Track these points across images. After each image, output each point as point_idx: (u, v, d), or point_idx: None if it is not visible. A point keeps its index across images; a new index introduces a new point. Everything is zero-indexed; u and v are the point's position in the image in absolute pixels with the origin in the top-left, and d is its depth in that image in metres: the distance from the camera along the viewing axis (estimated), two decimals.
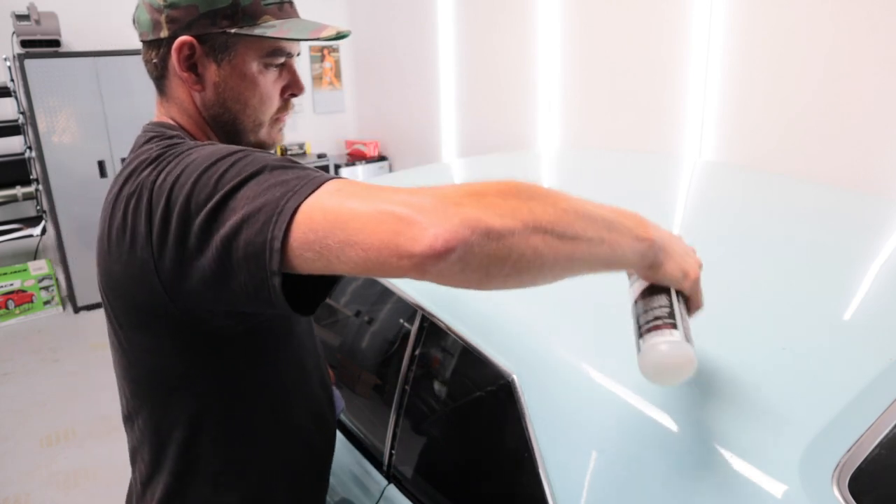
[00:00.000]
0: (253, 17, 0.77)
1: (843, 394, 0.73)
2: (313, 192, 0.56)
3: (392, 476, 1.10)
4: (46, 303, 4.09)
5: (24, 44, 3.76)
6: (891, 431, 0.69)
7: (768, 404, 0.71)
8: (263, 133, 0.85)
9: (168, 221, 0.63)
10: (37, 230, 4.08)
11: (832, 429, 0.68)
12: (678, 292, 0.68)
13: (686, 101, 2.98)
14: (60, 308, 4.15)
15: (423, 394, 1.09)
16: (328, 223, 0.54)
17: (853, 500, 0.61)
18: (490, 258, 0.50)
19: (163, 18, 0.77)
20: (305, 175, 0.59)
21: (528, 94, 3.80)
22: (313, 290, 0.64)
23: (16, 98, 3.85)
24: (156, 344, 0.76)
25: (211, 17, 0.76)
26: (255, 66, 0.80)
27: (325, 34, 0.80)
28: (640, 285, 0.69)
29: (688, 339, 0.63)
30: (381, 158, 5.25)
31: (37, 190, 4.06)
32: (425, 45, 4.48)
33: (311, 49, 5.20)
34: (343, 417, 1.30)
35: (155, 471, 0.83)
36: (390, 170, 5.25)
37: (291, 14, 0.82)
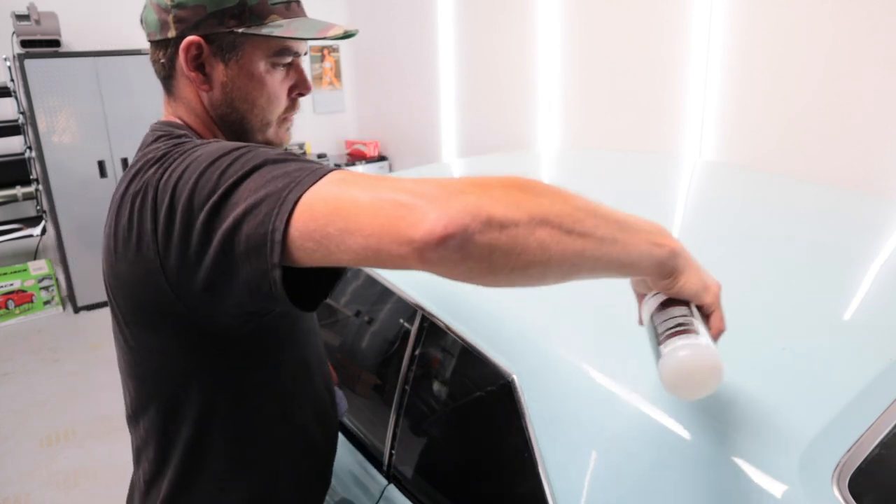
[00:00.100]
0: (260, 17, 0.78)
1: (843, 394, 0.73)
2: (315, 182, 0.56)
3: (392, 476, 1.10)
4: (46, 303, 4.09)
5: (24, 44, 3.76)
6: (891, 431, 0.69)
7: (768, 404, 0.71)
8: (271, 132, 0.85)
9: (172, 219, 0.63)
10: (37, 230, 4.08)
11: (832, 429, 0.68)
12: (698, 308, 0.63)
13: (686, 101, 2.98)
14: (60, 308, 4.15)
15: (423, 394, 1.09)
16: (329, 212, 0.54)
17: (853, 500, 0.61)
18: (492, 248, 0.49)
19: (170, 18, 0.77)
20: (307, 167, 0.59)
21: (528, 94, 3.80)
22: (315, 285, 0.64)
23: (16, 98, 3.85)
24: (162, 343, 0.76)
25: (218, 17, 0.76)
26: (262, 66, 0.80)
27: (332, 33, 0.81)
28: (656, 301, 0.64)
29: (712, 344, 0.57)
30: (381, 158, 5.25)
31: (37, 190, 4.06)
32: (425, 45, 4.48)
33: (312, 49, 5.20)
34: (344, 417, 1.30)
35: (160, 469, 0.83)
36: (390, 170, 5.25)
37: (298, 13, 0.82)
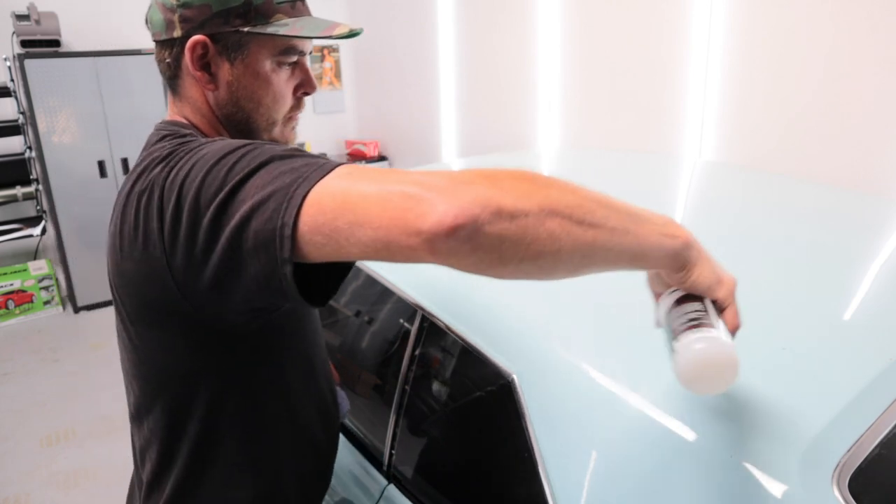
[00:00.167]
0: (265, 16, 0.78)
1: (843, 394, 0.73)
2: (323, 177, 0.56)
3: (392, 476, 1.10)
4: (46, 303, 4.09)
5: (24, 44, 3.76)
6: (891, 431, 0.69)
7: (768, 404, 0.71)
8: (276, 132, 0.85)
9: (179, 218, 0.63)
10: (37, 230, 4.08)
11: (832, 429, 0.68)
12: (713, 303, 0.63)
13: (686, 101, 2.98)
14: (60, 308, 4.15)
15: (423, 394, 1.09)
16: (338, 205, 0.54)
17: (853, 500, 0.61)
18: (502, 239, 0.49)
19: (176, 18, 0.77)
20: (314, 162, 0.59)
21: (528, 94, 3.80)
22: (325, 281, 0.64)
23: (16, 98, 3.85)
24: (168, 341, 0.76)
25: (224, 16, 0.76)
26: (268, 65, 0.80)
27: (337, 32, 0.81)
28: (672, 299, 0.64)
29: (728, 337, 0.56)
30: (381, 158, 5.25)
31: (37, 190, 4.06)
32: (425, 45, 4.48)
33: (312, 49, 5.19)
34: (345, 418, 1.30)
35: (165, 468, 0.83)
36: None
37: (303, 12, 0.82)
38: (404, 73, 4.82)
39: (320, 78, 5.33)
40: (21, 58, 3.67)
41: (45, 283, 4.06)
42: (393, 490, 1.08)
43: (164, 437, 0.82)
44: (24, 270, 4.05)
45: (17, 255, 4.24)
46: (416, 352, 1.09)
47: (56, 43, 3.84)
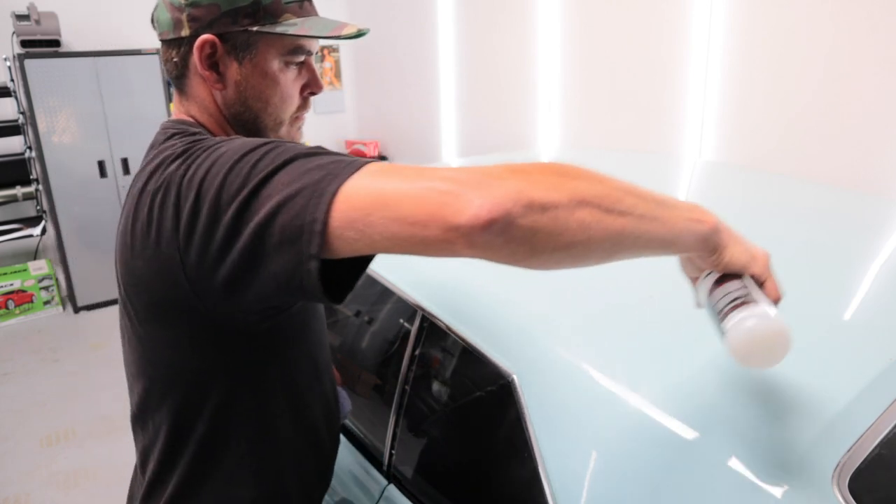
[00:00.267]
0: (274, 16, 0.78)
1: (843, 394, 0.73)
2: (353, 173, 0.57)
3: (392, 476, 1.10)
4: (46, 303, 4.09)
5: (24, 44, 3.76)
6: (891, 431, 0.69)
7: (768, 404, 0.71)
8: (283, 131, 0.86)
9: (197, 215, 0.63)
10: (37, 230, 4.08)
11: (832, 429, 0.68)
12: (752, 279, 0.64)
13: (686, 101, 2.98)
14: (60, 308, 4.15)
15: (423, 394, 1.09)
16: (372, 201, 0.54)
17: (853, 500, 0.61)
18: (534, 230, 0.50)
19: (184, 17, 0.77)
20: (343, 159, 0.60)
21: (528, 94, 3.80)
22: (345, 277, 0.64)
23: (16, 98, 3.85)
24: (176, 340, 0.76)
25: (232, 16, 0.77)
26: (276, 65, 0.80)
27: (345, 32, 0.81)
28: (710, 280, 0.65)
29: (775, 310, 0.58)
30: (382, 158, 5.25)
31: (37, 190, 4.06)
32: (425, 45, 4.48)
33: (318, 49, 5.20)
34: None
35: (169, 467, 0.83)
36: None
37: (311, 12, 0.83)
38: (404, 73, 4.82)
39: (320, 78, 5.33)
40: (21, 58, 3.67)
41: (45, 283, 4.07)
42: (393, 490, 1.09)
43: (170, 435, 0.81)
44: (24, 270, 4.05)
45: (17, 255, 4.24)
46: (416, 352, 1.10)
47: (56, 43, 3.84)
